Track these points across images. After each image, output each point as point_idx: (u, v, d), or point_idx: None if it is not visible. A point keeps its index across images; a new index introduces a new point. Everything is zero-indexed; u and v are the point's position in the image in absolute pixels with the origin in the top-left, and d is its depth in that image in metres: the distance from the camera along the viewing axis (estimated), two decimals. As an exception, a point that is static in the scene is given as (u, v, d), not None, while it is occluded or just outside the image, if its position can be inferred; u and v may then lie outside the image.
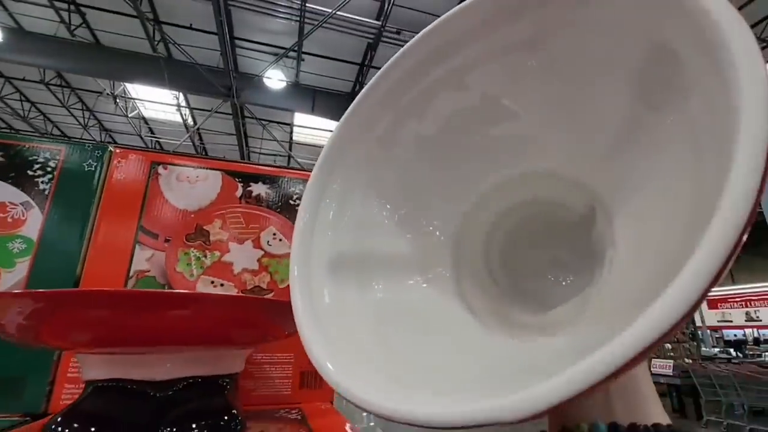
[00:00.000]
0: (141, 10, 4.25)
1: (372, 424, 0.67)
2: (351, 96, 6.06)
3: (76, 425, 0.24)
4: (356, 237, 0.26)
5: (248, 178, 0.52)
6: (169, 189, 0.49)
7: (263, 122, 6.42)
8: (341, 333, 0.21)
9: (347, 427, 0.37)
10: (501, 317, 0.24)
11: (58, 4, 4.44)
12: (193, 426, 0.25)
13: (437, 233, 0.27)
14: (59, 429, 0.24)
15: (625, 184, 0.19)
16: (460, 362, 0.20)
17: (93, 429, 0.24)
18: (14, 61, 4.94)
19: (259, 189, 0.52)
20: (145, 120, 6.91)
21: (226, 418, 0.27)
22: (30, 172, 0.45)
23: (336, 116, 6.01)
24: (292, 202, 0.53)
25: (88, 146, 0.48)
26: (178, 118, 6.73)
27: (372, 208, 0.26)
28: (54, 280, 0.42)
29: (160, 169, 0.49)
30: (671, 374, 4.56)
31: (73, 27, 4.73)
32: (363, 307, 0.23)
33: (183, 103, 6.36)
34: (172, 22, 4.85)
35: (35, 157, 0.46)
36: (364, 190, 0.26)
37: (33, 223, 0.44)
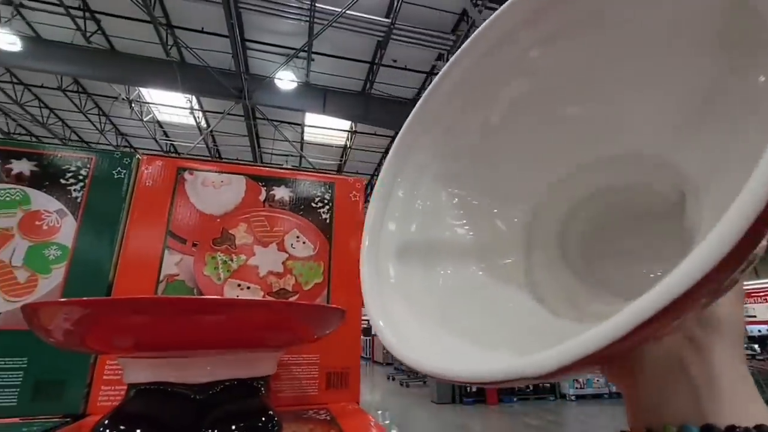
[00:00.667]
0: (154, 15, 4.32)
1: (387, 422, 0.68)
2: (362, 95, 6.07)
3: (122, 427, 0.25)
4: (424, 224, 0.26)
5: (271, 182, 0.53)
6: (195, 194, 0.50)
7: (275, 123, 6.48)
8: (405, 313, 0.21)
9: (372, 424, 0.38)
10: (572, 304, 0.23)
11: (74, 11, 4.55)
12: (233, 428, 0.26)
13: (507, 221, 0.27)
14: (107, 431, 0.25)
15: (714, 159, 0.18)
16: (518, 341, 0.20)
17: (138, 431, 0.25)
18: (33, 69, 5.08)
19: (282, 192, 0.53)
20: (159, 124, 7.04)
21: (263, 419, 0.28)
22: (63, 181, 0.46)
23: (347, 115, 6.03)
24: (314, 205, 0.53)
25: (117, 154, 0.49)
26: (191, 121, 6.84)
27: (441, 196, 0.27)
28: (88, 285, 0.44)
29: (186, 175, 0.50)
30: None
31: (88, 34, 4.84)
32: (428, 290, 0.24)
33: (196, 106, 6.45)
34: (185, 26, 4.93)
35: (67, 166, 0.47)
36: (433, 179, 0.27)
37: (67, 230, 0.45)
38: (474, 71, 0.25)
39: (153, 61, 5.21)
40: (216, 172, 0.52)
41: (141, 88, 5.91)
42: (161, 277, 0.46)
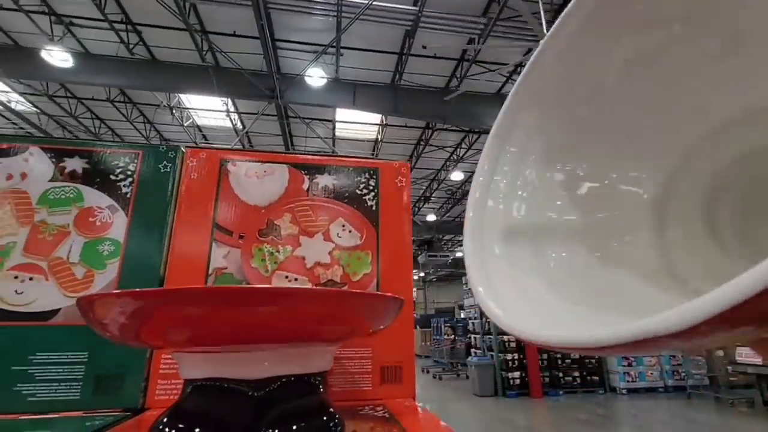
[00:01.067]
0: (189, 23, 4.48)
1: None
2: (391, 87, 6.02)
3: (181, 426, 0.24)
4: (532, 204, 0.23)
5: (314, 170, 0.51)
6: (238, 185, 0.49)
7: (306, 120, 6.57)
8: (513, 293, 0.18)
9: (436, 422, 0.35)
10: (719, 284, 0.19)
11: (117, 25, 4.81)
12: (294, 428, 0.24)
13: (631, 197, 0.23)
14: (166, 429, 0.23)
15: None
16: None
17: (198, 429, 0.24)
18: (84, 83, 5.44)
19: (325, 180, 0.51)
20: (199, 128, 7.34)
21: (324, 418, 0.26)
22: (113, 177, 0.47)
23: (377, 108, 6.00)
24: (359, 192, 0.51)
25: (162, 148, 0.49)
26: (228, 124, 7.08)
27: (550, 174, 0.24)
28: (141, 280, 0.44)
29: (229, 166, 0.49)
30: (761, 363, 4.11)
31: (131, 46, 5.10)
32: (537, 270, 0.21)
33: (231, 109, 6.67)
34: (218, 31, 5.08)
35: (116, 162, 0.47)
36: (540, 156, 0.24)
37: (119, 225, 0.45)
38: (583, 34, 0.21)
39: (190, 67, 5.42)
40: (258, 162, 0.50)
41: (181, 95, 6.18)
42: (210, 271, 0.45)
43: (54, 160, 0.46)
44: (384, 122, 7.12)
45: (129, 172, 0.47)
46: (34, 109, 6.51)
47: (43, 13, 4.63)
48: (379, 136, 7.51)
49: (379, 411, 0.38)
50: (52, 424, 0.35)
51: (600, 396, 5.71)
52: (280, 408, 0.26)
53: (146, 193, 0.47)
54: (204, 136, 7.68)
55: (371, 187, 0.51)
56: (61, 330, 0.41)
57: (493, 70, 5.59)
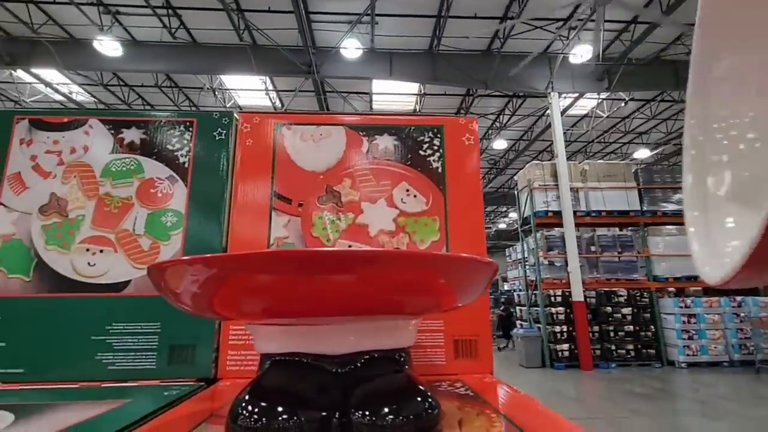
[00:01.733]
0: (226, 2, 4.48)
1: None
2: (428, 53, 5.77)
3: (263, 404, 0.22)
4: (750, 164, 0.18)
5: (373, 131, 0.47)
6: (295, 151, 0.46)
7: (343, 95, 6.50)
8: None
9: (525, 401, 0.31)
10: None
11: (159, 11, 4.92)
12: (386, 410, 0.21)
13: None
14: (249, 408, 0.21)
15: None
16: None
17: (281, 408, 0.21)
18: (133, 70, 5.69)
19: (385, 141, 0.47)
20: (240, 108, 7.52)
21: (418, 399, 0.23)
22: (170, 147, 0.45)
23: (414, 77, 5.80)
24: (422, 153, 0.46)
25: (216, 115, 0.47)
26: (267, 102, 7.18)
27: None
28: (204, 251, 0.43)
29: (284, 130, 0.47)
30: None
31: (173, 30, 5.22)
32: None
33: (270, 87, 6.73)
34: (253, 8, 5.06)
35: (172, 131, 0.46)
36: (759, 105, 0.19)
37: (179, 196, 0.44)
38: None
39: (229, 47, 5.49)
40: (314, 124, 0.47)
41: (222, 76, 6.31)
42: (271, 240, 0.43)
43: (113, 132, 0.46)
44: (422, 92, 6.89)
45: (185, 141, 0.46)
46: (92, 98, 6.95)
47: (91, 4, 4.83)
48: (417, 107, 7.30)
49: (459, 388, 0.35)
50: (133, 392, 0.36)
51: (656, 370, 5.45)
52: (366, 387, 0.23)
53: (203, 162, 0.45)
54: (245, 117, 7.86)
55: (436, 147, 0.46)
56: (133, 301, 0.41)
57: (540, 27, 5.16)
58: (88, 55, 5.35)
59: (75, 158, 0.44)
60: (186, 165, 0.45)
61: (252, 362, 0.40)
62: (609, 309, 5.64)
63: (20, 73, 6.09)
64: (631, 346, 5.66)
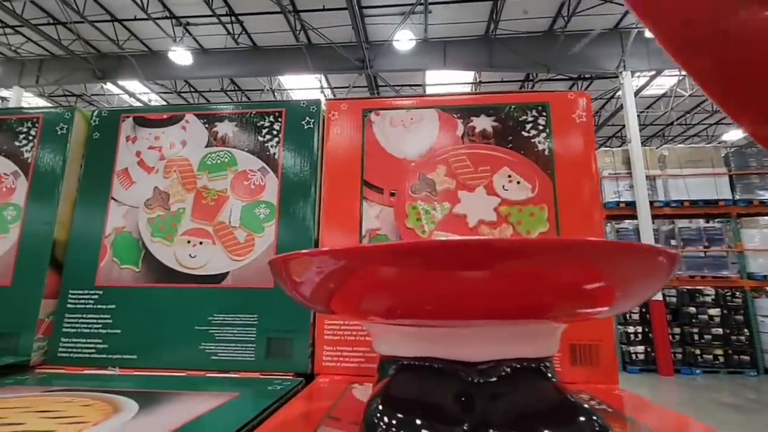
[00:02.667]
0: (282, 4, 4.64)
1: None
2: (484, 39, 5.54)
3: (400, 415, 0.19)
4: None
5: (468, 112, 0.43)
6: (384, 137, 0.43)
7: (396, 88, 6.47)
8: None
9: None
10: None
11: (223, 19, 5.22)
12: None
13: None
14: (384, 419, 0.19)
15: None
16: None
17: (419, 422, 0.19)
18: (201, 77, 6.11)
19: (483, 123, 0.42)
20: (296, 107, 7.78)
21: (582, 419, 0.19)
22: (260, 138, 0.45)
23: (469, 65, 5.61)
24: (525, 134, 0.42)
25: (303, 104, 0.46)
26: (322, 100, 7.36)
27: None
28: (297, 243, 0.42)
29: (373, 116, 0.44)
30: None
31: (236, 36, 5.52)
32: None
33: (325, 85, 6.89)
34: (308, 8, 5.18)
35: (261, 123, 0.45)
36: None
37: (271, 187, 0.44)
38: None
39: (286, 49, 5.70)
40: (404, 109, 0.44)
41: (280, 77, 6.57)
42: (363, 232, 0.41)
43: (207, 126, 0.46)
44: (477, 80, 6.64)
45: (274, 132, 0.45)
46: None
47: (165, 18, 5.25)
48: (472, 96, 7.06)
49: (589, 401, 0.31)
50: (238, 384, 0.35)
51: (751, 378, 4.82)
52: (515, 401, 0.19)
53: (293, 153, 0.44)
54: (302, 115, 8.13)
55: (541, 127, 0.41)
56: (232, 292, 0.41)
57: (610, 0, 4.72)
58: (164, 65, 5.84)
59: (174, 153, 0.46)
60: (276, 156, 0.44)
61: (348, 359, 0.39)
62: (693, 309, 5.08)
63: (109, 86, 6.81)
64: (719, 351, 5.06)
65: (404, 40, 5.38)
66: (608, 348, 0.37)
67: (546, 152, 0.41)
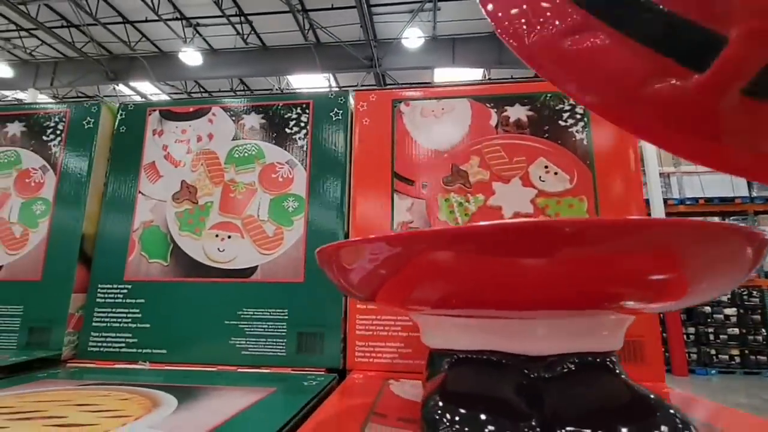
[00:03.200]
0: (291, 3, 4.65)
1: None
2: (493, 36, 5.49)
3: (462, 410, 0.18)
4: None
5: (502, 101, 0.42)
6: (415, 128, 0.42)
7: (404, 86, 6.45)
8: None
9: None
10: None
11: (233, 19, 5.25)
12: (624, 430, 0.17)
13: None
14: (447, 415, 0.18)
15: None
16: None
17: (483, 417, 0.18)
18: (211, 77, 6.15)
19: (517, 113, 0.41)
20: (305, 106, 7.81)
21: (659, 414, 0.18)
22: (287, 130, 0.44)
23: (478, 62, 5.57)
24: (562, 123, 0.40)
25: (331, 94, 0.45)
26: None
27: None
28: (327, 236, 0.41)
29: (402, 107, 0.43)
30: None
31: (245, 36, 5.55)
32: None
33: (333, 84, 6.89)
34: (317, 7, 5.19)
35: (289, 115, 0.45)
36: None
37: (299, 180, 0.43)
38: None
39: (295, 49, 5.71)
40: (435, 98, 0.43)
41: (288, 77, 6.59)
42: (395, 225, 0.40)
43: (234, 118, 0.46)
44: (486, 77, 6.59)
45: (302, 124, 0.44)
46: (178, 106, 7.65)
47: (176, 18, 5.30)
48: (481, 94, 7.01)
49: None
50: (271, 379, 0.35)
51: (770, 380, 4.72)
52: (587, 398, 0.18)
53: (321, 145, 0.43)
54: (310, 114, 8.15)
55: (579, 116, 0.40)
56: (261, 287, 0.41)
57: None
58: (174, 66, 5.89)
59: (201, 146, 0.45)
60: (304, 148, 0.44)
61: (381, 354, 0.38)
62: (708, 309, 4.98)
63: (121, 87, 6.90)
64: (735, 351, 4.95)
65: (413, 37, 5.35)
66: (654, 343, 0.35)
67: (584, 142, 0.39)
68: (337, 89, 0.43)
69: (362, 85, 6.47)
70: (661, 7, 0.15)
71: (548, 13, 0.18)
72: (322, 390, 0.31)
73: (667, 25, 0.15)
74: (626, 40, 0.16)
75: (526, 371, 0.19)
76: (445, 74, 6.44)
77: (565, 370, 0.19)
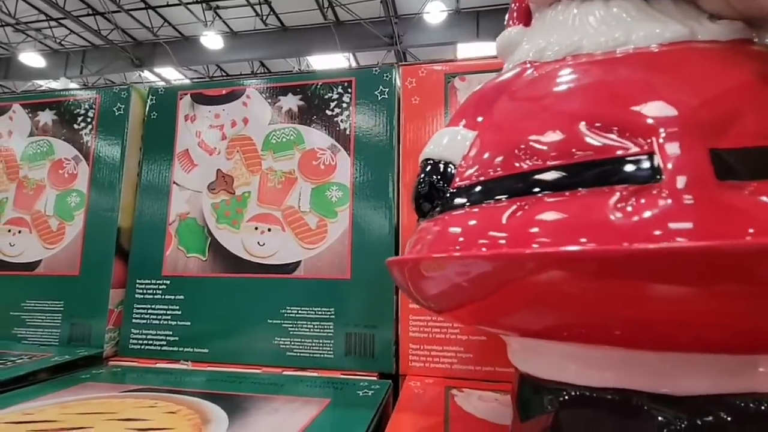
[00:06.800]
0: (311, -20, 4.53)
1: None
2: (521, 7, 5.20)
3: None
4: None
5: (574, 72, 0.36)
6: (471, 106, 0.38)
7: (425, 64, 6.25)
8: None
9: None
10: None
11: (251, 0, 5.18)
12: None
13: None
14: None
15: None
16: None
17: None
18: (233, 60, 6.14)
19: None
20: (326, 88, 7.73)
21: None
22: (329, 112, 0.40)
23: (505, 36, 5.32)
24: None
25: (376, 70, 0.40)
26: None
27: None
28: (374, 229, 0.37)
29: (457, 82, 0.38)
30: None
31: (264, 17, 5.48)
32: None
33: (354, 64, 6.76)
34: (336, -17, 5.04)
35: (330, 95, 0.41)
36: None
37: (343, 167, 0.39)
38: None
39: (314, 29, 5.60)
40: (493, 71, 0.38)
41: (308, 58, 6.50)
42: (450, 216, 0.36)
43: (270, 101, 0.42)
44: (513, 52, 6.30)
45: (344, 105, 0.40)
46: (201, 91, 7.73)
47: (196, 2, 5.27)
48: (507, 69, 6.72)
49: None
50: (321, 385, 0.32)
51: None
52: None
53: (366, 127, 0.39)
54: (331, 96, 8.07)
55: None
56: (305, 283, 0.38)
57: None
58: (196, 50, 5.91)
59: (236, 132, 0.42)
60: (347, 131, 0.40)
61: (437, 359, 0.35)
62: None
63: (146, 74, 7.01)
64: None
65: (435, 12, 5.14)
66: None
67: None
68: (380, 67, 0.40)
69: (383, 64, 6.32)
70: None
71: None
72: (381, 402, 0.28)
73: None
74: None
75: (667, 416, 0.15)
76: (468, 50, 6.19)
77: (721, 416, 0.15)
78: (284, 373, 0.36)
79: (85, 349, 0.39)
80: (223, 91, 0.43)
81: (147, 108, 0.45)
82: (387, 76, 0.40)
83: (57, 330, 0.41)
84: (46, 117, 0.46)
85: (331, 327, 0.37)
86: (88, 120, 0.45)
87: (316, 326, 0.37)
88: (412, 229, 0.34)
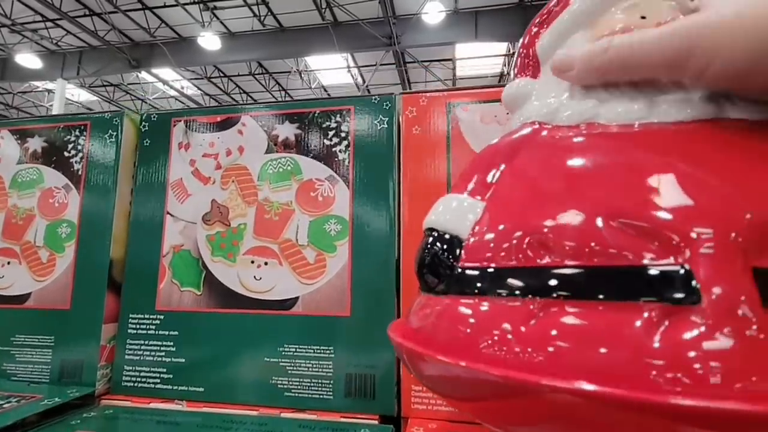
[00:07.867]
0: (308, -19, 4.50)
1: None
2: (518, 7, 5.19)
3: None
4: None
5: (580, 103, 0.35)
6: (474, 138, 0.37)
7: (424, 64, 6.24)
8: None
9: None
10: None
11: (249, 0, 5.15)
12: None
13: None
14: None
15: None
16: None
17: None
18: (230, 61, 6.11)
19: (599, 117, 0.34)
20: (324, 88, 7.69)
21: None
22: (327, 141, 0.39)
23: (502, 36, 5.30)
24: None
25: (375, 99, 0.39)
26: (349, 79, 7.22)
27: None
28: (374, 264, 0.36)
29: (459, 112, 0.37)
30: None
31: (262, 18, 5.45)
32: None
33: (351, 64, 6.74)
34: (334, -17, 5.01)
35: (327, 123, 0.39)
36: None
37: (342, 199, 0.38)
38: None
39: (312, 29, 5.58)
40: (496, 101, 0.37)
41: (306, 58, 6.48)
42: (453, 252, 0.35)
43: (266, 129, 0.41)
44: (510, 51, 6.29)
45: (342, 134, 0.39)
46: (199, 91, 7.70)
47: (193, 2, 5.24)
48: (506, 69, 6.71)
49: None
50: (324, 428, 0.31)
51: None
52: None
53: (365, 158, 0.38)
54: (329, 95, 8.05)
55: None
56: (303, 320, 0.37)
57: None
58: (194, 51, 5.87)
59: (231, 161, 0.41)
60: (346, 162, 0.38)
61: (440, 401, 0.33)
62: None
63: (144, 75, 6.97)
64: None
65: (433, 12, 5.12)
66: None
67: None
68: (379, 95, 0.39)
69: (381, 64, 6.29)
70: None
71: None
72: (382, 455, 0.27)
73: None
74: None
75: None
76: (466, 50, 6.18)
77: None
78: (282, 414, 0.35)
79: (76, 387, 0.38)
80: (218, 118, 0.42)
81: (140, 135, 0.44)
82: (387, 105, 0.39)
83: (47, 366, 0.40)
84: (36, 144, 0.45)
85: (330, 366, 0.36)
86: (79, 147, 0.44)
87: (314, 365, 0.36)
88: (412, 266, 0.33)
